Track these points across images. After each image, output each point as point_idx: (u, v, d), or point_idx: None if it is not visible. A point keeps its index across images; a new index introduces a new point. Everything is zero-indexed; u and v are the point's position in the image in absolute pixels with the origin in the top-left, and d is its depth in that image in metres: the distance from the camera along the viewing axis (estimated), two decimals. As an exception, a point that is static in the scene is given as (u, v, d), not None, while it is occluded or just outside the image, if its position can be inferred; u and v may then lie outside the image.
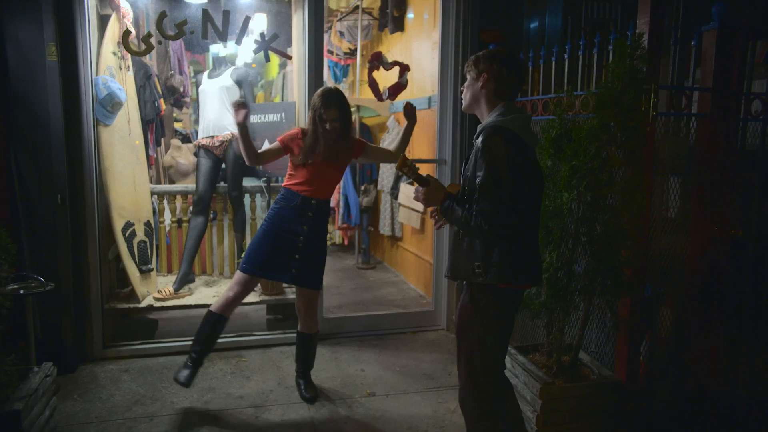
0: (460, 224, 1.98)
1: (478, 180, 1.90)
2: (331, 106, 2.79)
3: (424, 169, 5.16)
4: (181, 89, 5.51)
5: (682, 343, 2.77)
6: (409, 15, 5.33)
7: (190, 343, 3.61)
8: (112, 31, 3.59)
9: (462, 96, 2.13)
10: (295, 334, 3.55)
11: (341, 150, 2.90)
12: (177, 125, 6.74)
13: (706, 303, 2.69)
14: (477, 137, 2.00)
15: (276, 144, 2.94)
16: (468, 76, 2.09)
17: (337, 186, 5.92)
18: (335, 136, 2.83)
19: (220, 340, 3.62)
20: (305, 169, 2.88)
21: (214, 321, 2.95)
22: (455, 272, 2.10)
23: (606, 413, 2.63)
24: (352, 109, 5.83)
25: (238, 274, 2.93)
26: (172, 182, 5.36)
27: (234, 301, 2.94)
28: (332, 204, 6.01)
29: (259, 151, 2.94)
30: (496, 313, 2.04)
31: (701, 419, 2.71)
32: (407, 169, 2.00)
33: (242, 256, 3.07)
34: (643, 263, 2.62)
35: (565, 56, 3.07)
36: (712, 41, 2.54)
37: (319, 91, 2.88)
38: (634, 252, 2.54)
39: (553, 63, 3.17)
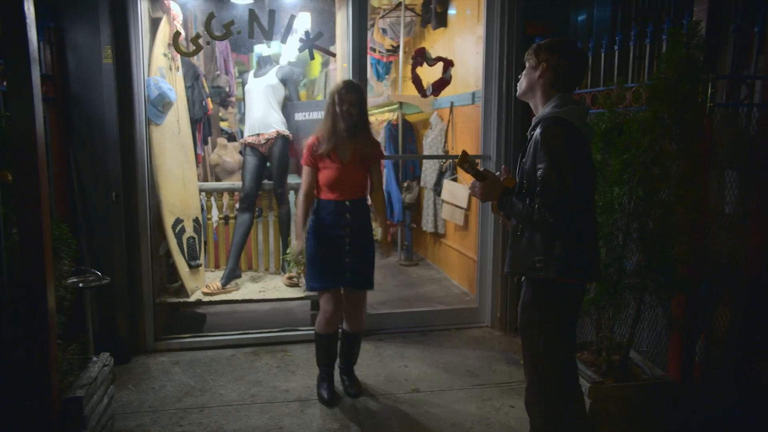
0: (521, 218, 1.95)
1: (539, 172, 1.86)
2: (352, 90, 2.85)
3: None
4: (227, 89, 5.65)
5: (741, 344, 2.66)
6: (452, 10, 5.29)
7: (237, 336, 3.71)
8: (163, 33, 3.70)
9: (518, 83, 2.09)
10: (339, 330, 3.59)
11: (360, 137, 2.89)
12: (223, 124, 6.90)
13: (766, 301, 2.57)
14: (533, 129, 1.96)
15: (306, 169, 2.94)
16: (527, 64, 2.04)
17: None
18: (354, 119, 2.84)
19: (266, 335, 3.74)
20: (329, 175, 2.87)
21: (326, 342, 3.03)
22: (515, 267, 2.05)
23: (659, 415, 2.54)
24: (395, 106, 5.87)
25: (319, 296, 2.99)
26: (218, 180, 5.50)
27: (331, 318, 2.96)
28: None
29: (307, 190, 2.94)
30: (558, 310, 1.99)
31: (760, 425, 2.59)
32: (467, 165, 1.98)
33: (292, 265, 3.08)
34: (699, 260, 2.52)
35: (615, 47, 2.98)
36: (776, 26, 2.42)
37: (339, 89, 2.89)
38: (689, 248, 2.45)
39: (602, 55, 3.08)
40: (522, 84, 2.06)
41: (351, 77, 3.73)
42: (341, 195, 2.89)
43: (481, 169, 2.03)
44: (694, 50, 2.36)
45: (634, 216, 2.44)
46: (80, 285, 2.72)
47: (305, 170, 2.95)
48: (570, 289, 1.98)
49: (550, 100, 1.97)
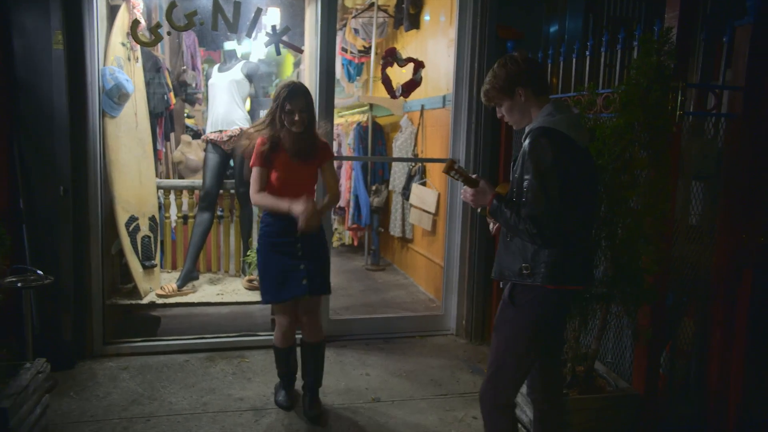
0: (508, 226, 1.94)
1: (525, 183, 1.87)
2: (296, 96, 2.59)
3: (436, 169, 5.05)
4: (194, 85, 5.46)
5: (704, 356, 2.63)
6: (426, 15, 5.23)
7: (192, 341, 3.55)
8: (121, 21, 3.53)
9: (508, 121, 2.05)
10: (300, 336, 3.45)
11: (305, 145, 2.68)
12: (189, 122, 6.70)
13: (730, 314, 2.54)
14: (524, 138, 1.94)
15: (259, 170, 2.69)
16: (504, 104, 2.00)
17: (348, 186, 5.84)
18: (299, 129, 2.63)
19: (222, 340, 3.58)
20: (276, 177, 2.68)
21: (284, 356, 2.91)
22: (502, 273, 2.05)
23: (623, 427, 2.49)
24: (365, 108, 5.77)
25: (273, 308, 2.86)
26: (180, 178, 5.30)
27: (288, 331, 2.84)
28: (342, 204, 5.92)
29: (261, 192, 2.70)
30: (534, 313, 1.97)
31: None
32: (455, 173, 1.98)
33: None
34: (666, 270, 2.48)
35: (587, 53, 2.94)
36: (745, 37, 2.41)
37: (282, 83, 2.68)
38: (656, 258, 2.40)
39: (574, 60, 3.04)
40: (516, 119, 2.03)
41: (319, 76, 3.62)
42: (288, 198, 2.65)
43: (474, 175, 2.00)
44: (665, 57, 2.33)
45: (604, 224, 2.39)
46: (18, 284, 2.54)
47: (257, 171, 2.69)
48: (554, 294, 1.94)
49: (543, 109, 1.96)
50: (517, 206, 1.89)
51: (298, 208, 2.56)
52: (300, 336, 2.91)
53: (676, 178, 2.46)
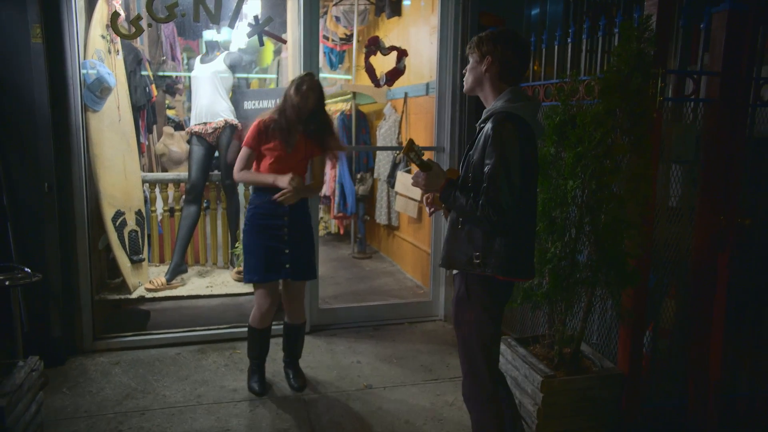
0: (464, 213, 1.91)
1: (486, 168, 1.83)
2: (309, 79, 2.76)
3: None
4: (174, 76, 5.40)
5: (685, 335, 2.72)
6: (407, 1, 5.21)
7: (183, 334, 3.56)
8: (101, 13, 3.47)
9: (464, 79, 2.05)
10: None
11: (310, 133, 2.82)
12: (170, 112, 6.64)
13: (710, 294, 2.63)
14: (484, 122, 1.92)
15: (246, 151, 2.80)
16: (470, 59, 2.00)
17: (333, 174, 5.85)
18: (309, 110, 2.77)
19: (214, 332, 3.60)
20: (273, 159, 2.77)
21: (257, 337, 2.95)
22: (450, 261, 2.02)
23: (608, 406, 2.57)
24: (348, 96, 5.77)
25: (254, 289, 2.89)
26: (164, 170, 5.27)
27: (266, 313, 2.89)
28: (328, 192, 5.93)
29: (244, 170, 2.81)
30: (489, 303, 1.99)
31: (703, 412, 2.66)
32: (413, 154, 1.93)
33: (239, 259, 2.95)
34: (648, 253, 2.55)
35: (569, 40, 2.97)
36: (721, 24, 2.46)
37: (296, 77, 2.81)
38: (639, 242, 2.47)
39: (556, 48, 3.07)
40: (468, 79, 2.02)
41: (302, 65, 3.62)
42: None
43: (426, 159, 1.98)
44: (645, 44, 2.37)
45: (587, 209, 2.44)
46: (6, 283, 2.53)
47: (245, 151, 2.81)
48: (501, 285, 1.98)
49: (502, 94, 1.94)
50: (475, 192, 1.86)
51: (284, 180, 2.69)
52: (276, 324, 2.96)
53: (657, 162, 2.52)
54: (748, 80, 2.54)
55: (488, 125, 1.87)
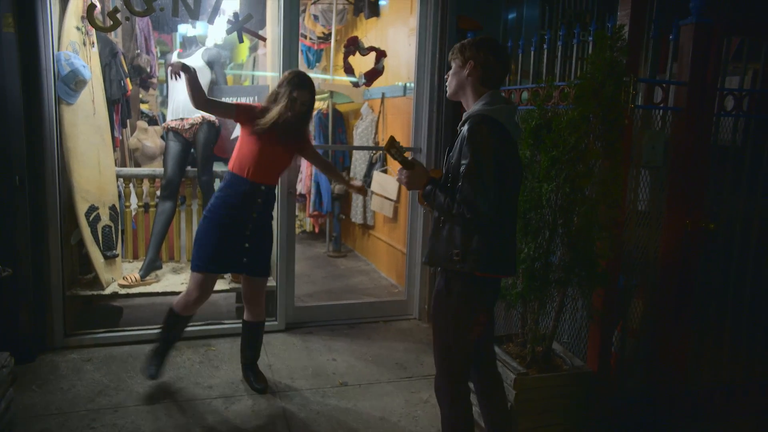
0: (441, 210, 1.98)
1: (462, 168, 1.90)
2: (305, 87, 2.78)
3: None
4: (148, 69, 5.32)
5: (652, 334, 2.82)
6: (385, 2, 5.25)
7: (157, 331, 3.52)
8: (76, 4, 3.41)
9: (447, 84, 2.10)
10: (265, 323, 3.50)
11: (298, 133, 2.85)
12: (143, 107, 6.53)
13: (676, 295, 2.73)
14: (462, 125, 1.98)
15: (231, 104, 2.87)
16: (453, 64, 2.06)
17: (309, 172, 5.85)
18: (296, 124, 2.80)
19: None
20: (257, 152, 2.77)
21: (175, 321, 2.93)
22: (433, 258, 2.09)
23: (578, 403, 2.65)
24: (325, 95, 5.77)
25: (193, 275, 2.84)
26: (138, 165, 5.19)
27: (196, 302, 2.87)
28: (303, 191, 5.93)
29: (210, 98, 2.90)
30: (470, 300, 2.04)
31: (670, 408, 2.76)
32: (395, 150, 1.97)
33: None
34: (618, 255, 2.64)
35: (545, 46, 3.05)
36: (689, 36, 2.56)
37: (294, 70, 2.85)
38: (609, 244, 2.55)
39: (532, 53, 3.15)
40: (452, 84, 2.08)
41: (281, 63, 3.62)
42: (259, 177, 2.79)
43: (410, 158, 2.03)
44: (618, 53, 2.45)
45: (561, 212, 2.51)
46: (-24, 278, 2.48)
47: (229, 102, 2.91)
48: (483, 282, 2.03)
49: (481, 98, 2.00)
50: (452, 191, 1.93)
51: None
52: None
53: (628, 167, 2.61)
54: (714, 90, 2.65)
55: (465, 128, 1.95)
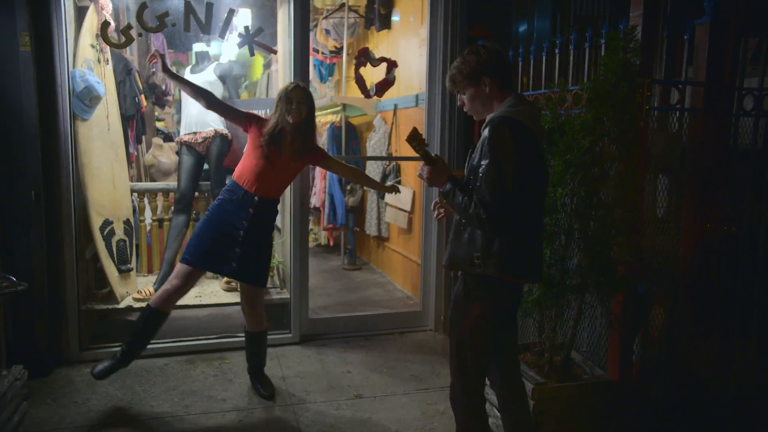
0: (459, 210, 1.95)
1: (481, 169, 1.87)
2: (300, 95, 2.80)
3: (411, 168, 5.09)
4: (163, 87, 5.40)
5: (674, 342, 2.73)
6: (396, 15, 5.27)
7: (171, 344, 3.52)
8: (90, 22, 3.48)
9: (473, 109, 2.07)
10: (280, 336, 3.50)
11: (299, 148, 2.85)
12: (159, 124, 6.61)
13: (698, 300, 2.65)
14: (485, 127, 1.96)
15: (243, 112, 2.93)
16: (466, 93, 2.03)
17: (322, 186, 5.85)
18: (296, 134, 2.82)
19: (202, 342, 3.56)
20: (256, 163, 2.82)
21: (148, 315, 2.89)
22: (453, 262, 2.05)
23: (599, 413, 2.57)
24: (338, 108, 5.79)
25: (179, 266, 2.86)
26: (153, 181, 5.23)
27: (174, 294, 2.86)
28: (317, 204, 5.93)
29: (218, 101, 2.97)
30: (490, 306, 1.99)
31: (694, 418, 2.67)
32: (416, 143, 1.93)
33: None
34: (637, 260, 2.57)
35: (556, 51, 3.02)
36: (704, 35, 2.51)
37: (289, 84, 2.87)
38: (627, 249, 2.49)
39: (544, 59, 3.12)
40: (477, 109, 2.05)
41: (293, 77, 3.63)
42: (254, 187, 2.82)
43: (433, 154, 1.99)
44: (631, 54, 2.42)
45: (576, 216, 2.46)
46: (-8, 291, 2.49)
47: (241, 110, 2.95)
48: (505, 287, 1.98)
49: (505, 101, 1.99)
50: (471, 191, 1.90)
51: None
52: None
53: (644, 171, 2.55)
54: (732, 90, 2.59)
55: (487, 130, 1.92)
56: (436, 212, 2.21)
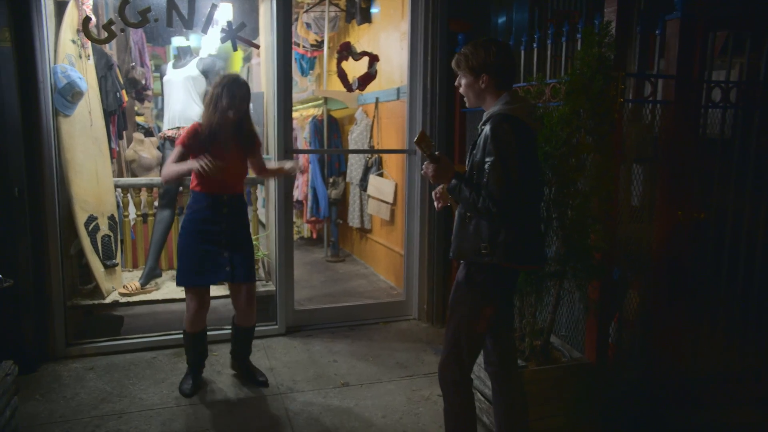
0: (467, 205, 2.04)
1: (486, 165, 1.97)
2: (228, 86, 2.76)
3: (393, 160, 5.15)
4: (143, 82, 5.36)
5: (648, 325, 2.85)
6: (376, 8, 5.31)
7: (158, 338, 3.55)
8: (71, 17, 3.46)
9: (465, 97, 2.15)
10: (266, 327, 3.54)
11: (241, 136, 2.87)
12: (138, 119, 6.56)
13: (669, 284, 2.77)
14: (484, 124, 2.05)
15: (180, 150, 2.81)
16: (464, 80, 2.11)
17: (305, 178, 5.89)
18: (241, 114, 2.82)
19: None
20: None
21: (190, 340, 2.98)
22: (460, 253, 2.14)
23: (577, 394, 2.68)
24: (319, 102, 5.82)
25: (185, 290, 2.93)
26: (134, 177, 5.22)
27: (196, 314, 2.93)
28: (300, 197, 5.97)
29: (173, 168, 2.77)
30: (489, 290, 2.10)
31: (666, 397, 2.79)
32: (424, 145, 2.04)
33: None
34: (612, 247, 2.68)
35: (534, 45, 3.10)
36: (675, 30, 2.61)
37: (223, 78, 2.83)
38: (603, 236, 2.60)
39: (522, 53, 3.20)
40: (470, 97, 2.14)
41: (276, 71, 3.66)
42: (219, 189, 2.85)
43: (437, 152, 2.09)
44: (606, 49, 2.51)
45: (554, 205, 2.55)
46: (-21, 288, 2.50)
47: (177, 150, 2.81)
48: (506, 272, 2.09)
49: (500, 98, 2.07)
50: (477, 185, 2.00)
51: (196, 164, 2.63)
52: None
53: (619, 161, 2.65)
54: (700, 83, 2.70)
55: (487, 127, 2.02)
56: (435, 202, 2.30)
